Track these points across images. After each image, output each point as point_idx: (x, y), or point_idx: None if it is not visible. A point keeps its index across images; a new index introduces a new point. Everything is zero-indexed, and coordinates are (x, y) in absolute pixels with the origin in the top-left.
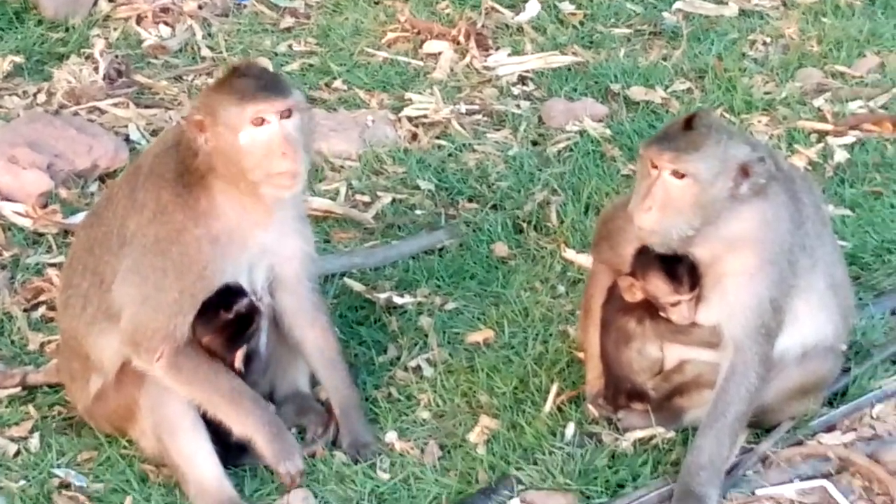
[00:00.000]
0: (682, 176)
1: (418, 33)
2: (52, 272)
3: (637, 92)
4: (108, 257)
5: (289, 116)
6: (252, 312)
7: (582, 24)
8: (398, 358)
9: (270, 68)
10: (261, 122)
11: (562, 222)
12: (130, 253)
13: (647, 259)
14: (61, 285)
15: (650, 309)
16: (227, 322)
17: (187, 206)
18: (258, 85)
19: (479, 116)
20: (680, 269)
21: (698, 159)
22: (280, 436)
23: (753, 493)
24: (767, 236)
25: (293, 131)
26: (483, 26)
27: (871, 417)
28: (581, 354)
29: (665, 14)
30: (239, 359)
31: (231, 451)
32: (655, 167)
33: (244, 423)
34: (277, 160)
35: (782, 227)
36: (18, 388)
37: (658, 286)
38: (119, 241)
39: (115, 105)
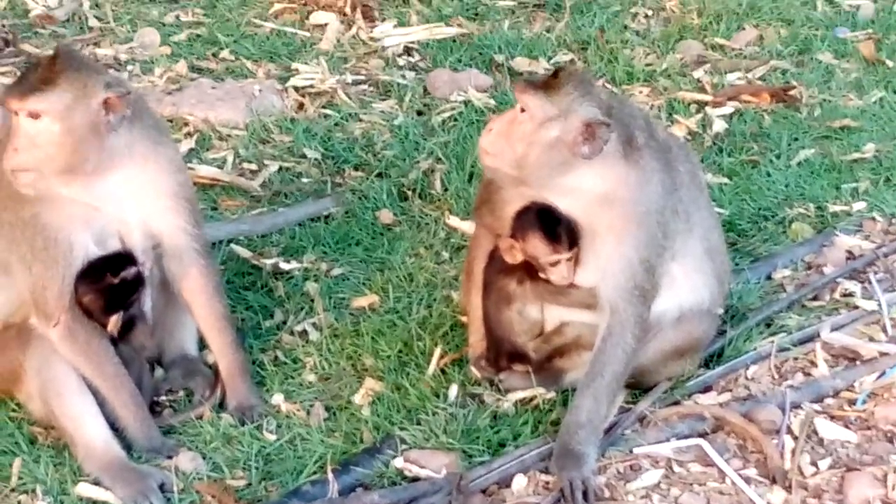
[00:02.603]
0: (524, 111)
1: (305, 4)
2: None
3: (521, 63)
4: None
5: (36, 118)
6: (137, 282)
7: None
8: (285, 322)
9: (157, 39)
10: (12, 111)
11: (446, 190)
12: None
13: (526, 220)
14: None
15: (530, 270)
16: (110, 286)
17: None
18: (22, 77)
19: (365, 87)
20: (559, 229)
21: (546, 97)
22: (150, 435)
23: (631, 452)
24: (634, 197)
25: (30, 132)
26: None
27: (746, 378)
28: (464, 318)
29: None
30: (113, 324)
31: None
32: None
33: (119, 409)
34: (6, 150)
35: (651, 189)
36: None
37: (537, 246)
38: None
39: (2, 74)
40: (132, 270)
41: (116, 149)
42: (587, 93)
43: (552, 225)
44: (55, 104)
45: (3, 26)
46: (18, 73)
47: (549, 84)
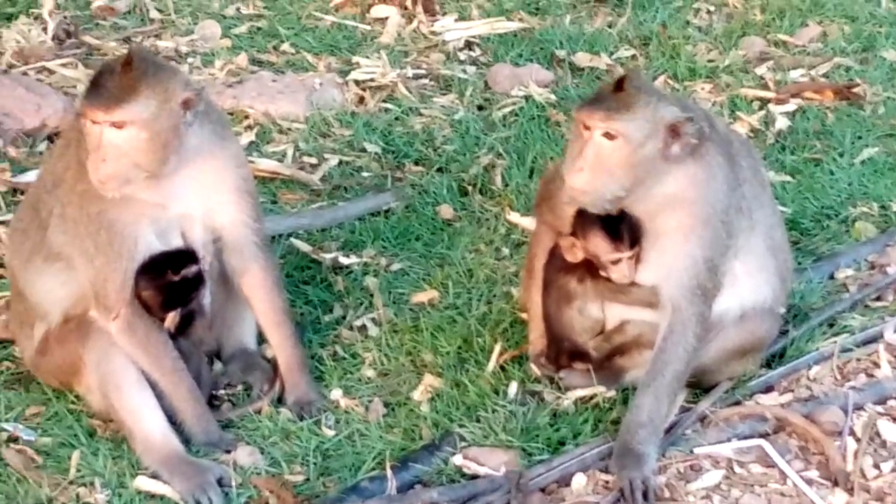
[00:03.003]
0: (613, 137)
1: None
2: (1, 230)
3: (582, 58)
4: (44, 195)
5: (120, 127)
6: (197, 280)
7: None
8: (344, 317)
9: (217, 31)
10: (93, 122)
11: (506, 186)
12: (59, 197)
13: (587, 218)
14: (12, 220)
15: (591, 269)
16: (171, 283)
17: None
18: (103, 87)
19: (425, 81)
20: (620, 227)
21: (628, 119)
22: (208, 429)
23: (692, 452)
24: (701, 196)
25: (119, 143)
26: None
27: (808, 379)
28: (524, 315)
29: None
30: (170, 320)
31: None
32: (587, 128)
33: (178, 403)
34: (91, 160)
35: (717, 187)
36: None
37: (598, 244)
38: (53, 181)
39: (64, 65)
40: (193, 269)
41: (188, 146)
42: (657, 95)
43: (614, 223)
44: (141, 113)
45: (65, 18)
46: (90, 77)
47: (622, 101)
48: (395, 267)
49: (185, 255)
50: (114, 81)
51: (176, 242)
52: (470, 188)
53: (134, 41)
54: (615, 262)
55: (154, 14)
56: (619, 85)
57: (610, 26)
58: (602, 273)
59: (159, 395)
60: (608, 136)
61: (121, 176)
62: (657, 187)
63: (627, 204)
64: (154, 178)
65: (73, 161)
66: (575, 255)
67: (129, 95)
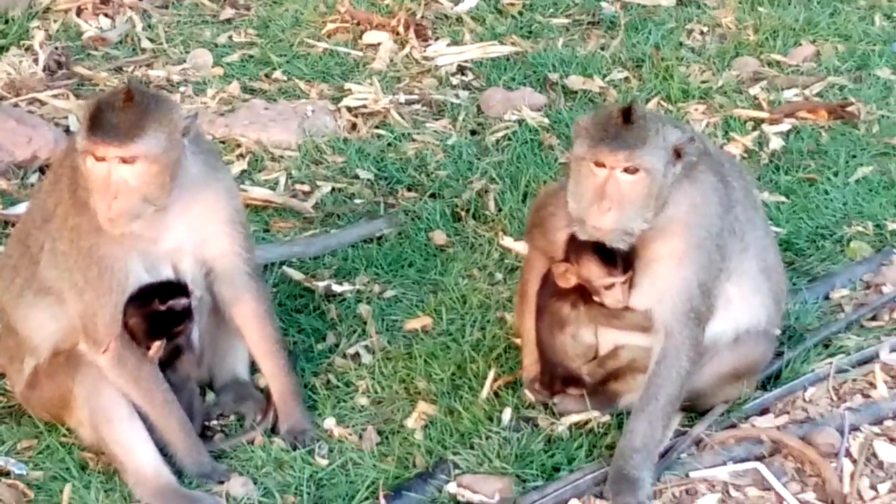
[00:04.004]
0: (636, 171)
1: (358, 24)
2: None
3: (575, 81)
4: (34, 230)
5: (131, 163)
6: (185, 314)
7: (521, 13)
8: (337, 345)
9: (209, 60)
10: (100, 158)
11: (500, 210)
12: (50, 232)
13: (580, 243)
14: (1, 256)
15: (584, 294)
16: (157, 312)
17: (80, 200)
18: (110, 123)
19: (418, 106)
20: (614, 251)
21: (647, 152)
22: (200, 460)
23: (687, 476)
24: (695, 220)
25: (129, 178)
26: (422, 17)
27: (804, 400)
28: (518, 340)
29: (603, 4)
30: (155, 349)
31: None
32: (602, 166)
33: (169, 435)
34: (101, 200)
35: (711, 210)
36: None
37: (591, 269)
38: (42, 216)
39: (55, 96)
40: (182, 301)
41: (186, 176)
42: (659, 119)
43: (606, 248)
44: (152, 147)
45: (57, 48)
46: (89, 114)
47: (636, 134)
48: (389, 294)
49: (175, 287)
50: (118, 117)
51: (166, 275)
52: (463, 213)
53: (126, 71)
54: (608, 287)
55: (146, 44)
56: (627, 117)
57: (603, 49)
58: (595, 298)
59: (150, 428)
60: (629, 170)
61: (132, 212)
62: (653, 209)
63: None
64: (160, 211)
65: (65, 196)
66: (568, 280)
67: (138, 130)
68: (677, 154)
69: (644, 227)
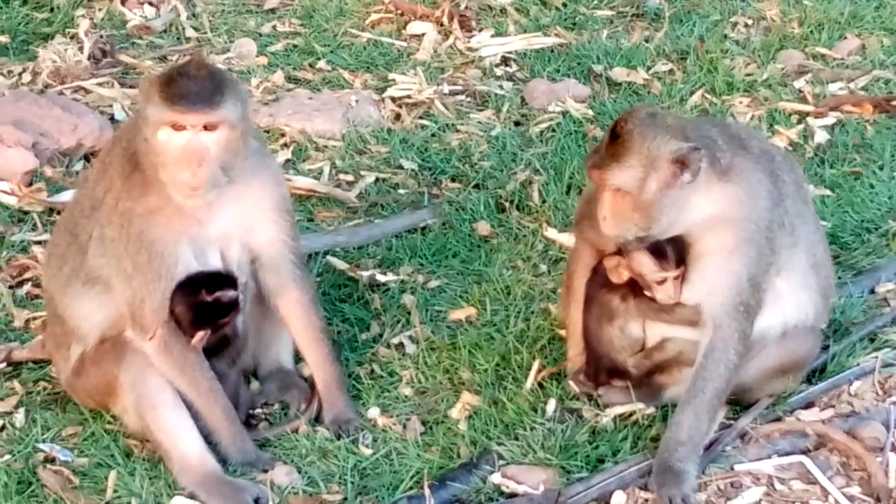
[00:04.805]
0: (617, 189)
1: (402, 14)
2: (37, 249)
3: (619, 73)
4: (82, 219)
5: (212, 130)
6: (231, 306)
7: (564, 5)
8: (381, 335)
9: (253, 49)
10: (179, 127)
11: (544, 202)
12: (99, 219)
13: None
14: (48, 245)
15: (635, 287)
16: (203, 303)
17: (132, 186)
18: (190, 91)
19: (462, 97)
20: (666, 246)
21: (619, 170)
22: (244, 448)
23: (732, 469)
24: (743, 214)
25: (210, 145)
26: (466, 8)
27: (849, 394)
28: (562, 331)
29: None
30: (198, 338)
31: None
32: (594, 184)
33: (214, 423)
34: (183, 169)
35: (759, 204)
36: (3, 364)
37: (643, 263)
38: (91, 205)
39: (100, 85)
40: (230, 293)
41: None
42: (657, 131)
43: (659, 242)
44: (231, 113)
45: (101, 37)
46: (165, 87)
47: (615, 152)
48: (433, 284)
49: (223, 279)
50: (197, 85)
51: (214, 263)
52: (507, 204)
53: (170, 59)
54: (661, 283)
55: (190, 32)
56: (614, 133)
57: (647, 41)
58: (647, 293)
59: (195, 416)
60: (611, 187)
61: (213, 179)
62: (688, 213)
63: (666, 232)
64: (231, 183)
65: (116, 182)
66: (620, 275)
67: (220, 96)
68: (681, 164)
69: (645, 234)
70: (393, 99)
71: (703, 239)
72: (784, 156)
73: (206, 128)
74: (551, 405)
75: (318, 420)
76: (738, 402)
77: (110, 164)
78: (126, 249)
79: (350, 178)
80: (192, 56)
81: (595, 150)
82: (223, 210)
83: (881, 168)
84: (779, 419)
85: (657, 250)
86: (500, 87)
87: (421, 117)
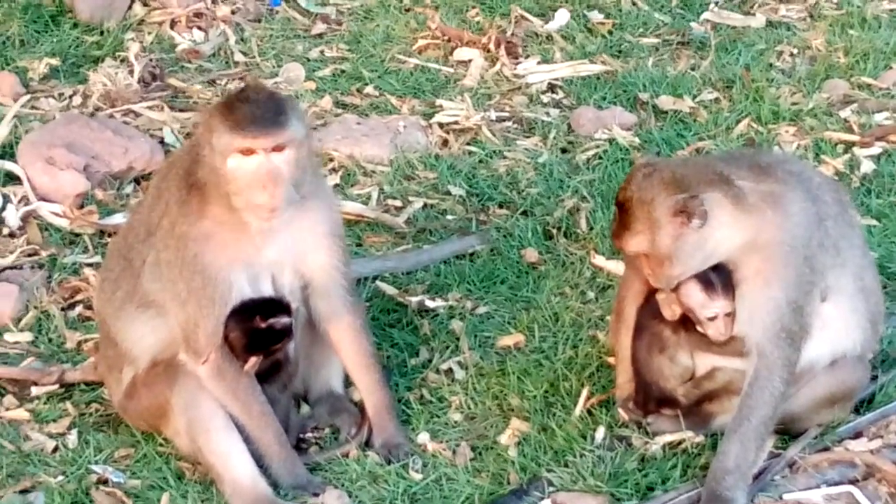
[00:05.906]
0: (645, 253)
1: (449, 40)
2: (88, 272)
3: (665, 101)
4: (136, 244)
5: (281, 150)
6: (284, 333)
7: (611, 33)
8: (430, 360)
9: (301, 74)
10: (249, 152)
11: (591, 229)
12: (154, 244)
13: None
14: (101, 270)
15: (686, 320)
16: (257, 329)
17: (189, 211)
18: (255, 115)
19: (509, 123)
20: (712, 276)
21: (631, 238)
22: (295, 472)
23: (781, 498)
24: (778, 238)
25: (281, 165)
26: (513, 34)
27: None
28: (611, 359)
29: (693, 24)
30: (251, 364)
31: None
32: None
33: (265, 447)
34: (258, 192)
35: (795, 225)
36: (56, 386)
37: (692, 294)
38: (146, 230)
39: (150, 108)
40: (283, 320)
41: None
42: (653, 191)
43: (708, 276)
44: (298, 132)
45: (151, 60)
46: (227, 114)
47: (623, 219)
48: (481, 310)
49: (277, 305)
50: (260, 108)
51: (266, 289)
52: (555, 231)
53: (219, 84)
54: (712, 319)
55: (239, 57)
56: (619, 204)
57: (693, 69)
58: (698, 328)
59: (247, 439)
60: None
61: (286, 199)
62: (719, 247)
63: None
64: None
65: (172, 207)
66: (673, 312)
67: (284, 117)
68: (686, 214)
69: (683, 277)
70: (440, 125)
71: (741, 266)
72: (826, 179)
73: (274, 149)
74: (600, 432)
75: (368, 444)
76: (787, 432)
77: (166, 189)
78: (181, 273)
79: (398, 203)
80: (246, 81)
81: (613, 219)
82: (278, 235)
83: None
84: (827, 449)
85: (705, 280)
86: (547, 113)
87: (468, 143)
